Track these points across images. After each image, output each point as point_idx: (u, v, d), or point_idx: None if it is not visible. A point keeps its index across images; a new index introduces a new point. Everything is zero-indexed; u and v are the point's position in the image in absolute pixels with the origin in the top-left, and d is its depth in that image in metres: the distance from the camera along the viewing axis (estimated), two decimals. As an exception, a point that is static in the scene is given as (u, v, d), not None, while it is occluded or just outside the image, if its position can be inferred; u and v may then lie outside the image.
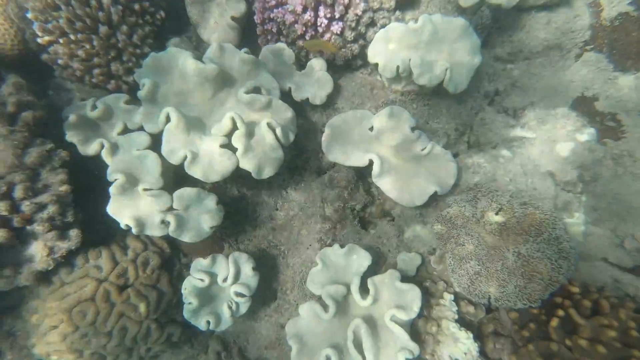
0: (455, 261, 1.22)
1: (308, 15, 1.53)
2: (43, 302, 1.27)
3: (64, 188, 1.29)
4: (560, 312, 1.06)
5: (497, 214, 1.22)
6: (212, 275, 1.45)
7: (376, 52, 1.51)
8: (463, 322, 1.27)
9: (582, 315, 1.05)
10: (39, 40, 1.44)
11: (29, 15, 1.39)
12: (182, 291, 1.42)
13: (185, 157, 1.34)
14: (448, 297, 1.25)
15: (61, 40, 1.45)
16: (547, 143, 1.42)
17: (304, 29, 1.59)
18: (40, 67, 1.56)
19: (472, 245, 1.21)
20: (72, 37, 1.45)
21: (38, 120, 1.28)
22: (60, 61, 1.50)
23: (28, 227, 1.21)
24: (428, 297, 1.32)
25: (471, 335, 1.17)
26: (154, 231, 1.38)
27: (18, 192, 1.17)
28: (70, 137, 1.42)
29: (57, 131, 1.42)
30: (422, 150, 1.44)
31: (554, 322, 1.04)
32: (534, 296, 1.10)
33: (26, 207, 1.17)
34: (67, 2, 1.37)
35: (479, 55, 1.44)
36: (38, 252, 1.24)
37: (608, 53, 1.55)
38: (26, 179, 1.20)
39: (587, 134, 1.38)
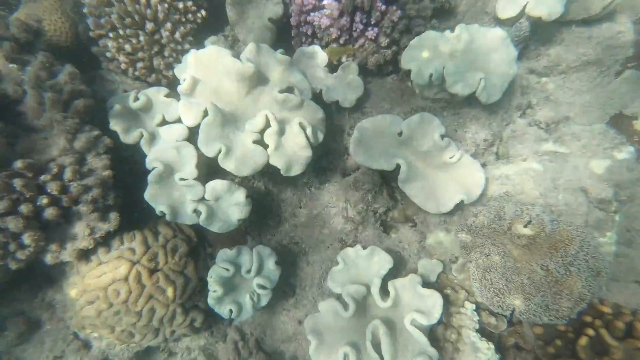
0: (480, 271, 1.22)
1: (344, 20, 1.57)
2: (82, 278, 1.36)
3: (106, 173, 1.37)
4: (590, 332, 1.04)
5: (525, 226, 1.22)
6: (237, 266, 1.50)
7: (409, 59, 1.52)
8: (483, 333, 1.26)
9: (614, 336, 1.02)
10: (91, 33, 1.54)
11: (85, 10, 1.48)
12: (208, 279, 1.47)
13: (220, 151, 1.40)
14: (469, 306, 1.25)
15: (111, 35, 1.54)
16: (582, 159, 1.40)
17: (338, 32, 1.63)
18: (88, 58, 1.66)
19: (498, 256, 1.21)
20: (120, 32, 1.54)
21: (88, 108, 1.37)
22: (108, 54, 1.60)
23: (74, 207, 1.30)
24: (448, 305, 1.32)
25: (492, 346, 1.16)
26: (186, 219, 1.44)
27: (67, 174, 1.25)
28: (114, 125, 1.51)
29: (99, 119, 1.51)
30: (451, 158, 1.44)
31: (584, 340, 1.02)
32: (561, 312, 1.09)
33: (74, 188, 1.25)
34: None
35: (514, 67, 1.44)
36: (81, 231, 1.32)
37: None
38: (75, 162, 1.29)
39: (625, 152, 1.35)
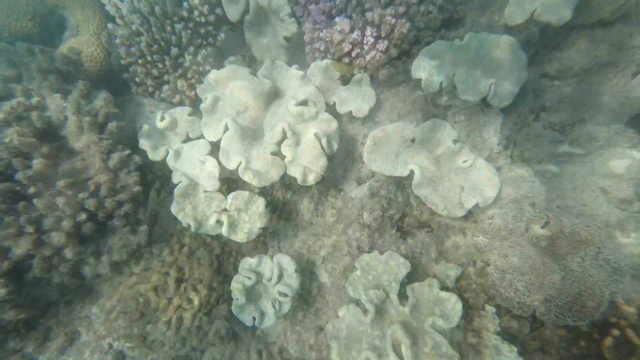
0: (499, 273, 1.22)
1: (355, 35, 1.64)
2: (115, 289, 1.45)
3: (137, 189, 1.47)
4: (616, 332, 1.02)
5: (542, 227, 1.21)
6: (258, 275, 1.56)
7: (420, 68, 1.57)
8: (506, 336, 1.25)
9: (641, 337, 1.00)
10: (122, 62, 1.68)
11: (117, 41, 1.63)
12: (231, 288, 1.53)
13: (240, 163, 1.48)
14: (490, 309, 1.25)
15: (140, 61, 1.68)
16: (599, 159, 1.39)
17: (350, 47, 1.70)
18: (120, 83, 1.81)
19: (516, 257, 1.21)
20: (148, 58, 1.67)
21: (120, 129, 1.48)
22: (137, 79, 1.73)
23: (108, 222, 1.40)
24: (468, 309, 1.32)
25: (515, 349, 1.15)
26: (209, 230, 1.52)
27: (103, 191, 1.36)
28: (143, 144, 1.62)
29: (129, 139, 1.63)
30: (464, 162, 1.46)
31: (608, 341, 1.01)
32: (584, 313, 1.07)
33: (109, 204, 1.35)
34: (148, 28, 1.59)
35: (525, 71, 1.46)
36: (114, 244, 1.41)
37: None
38: (109, 180, 1.40)
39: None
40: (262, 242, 1.78)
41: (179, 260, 1.57)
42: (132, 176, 1.49)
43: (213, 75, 1.67)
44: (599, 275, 1.10)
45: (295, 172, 1.51)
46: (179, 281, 1.55)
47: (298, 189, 1.73)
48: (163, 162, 1.64)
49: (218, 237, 1.64)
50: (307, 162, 1.54)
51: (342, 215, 1.74)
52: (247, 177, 1.48)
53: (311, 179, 1.54)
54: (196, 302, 1.52)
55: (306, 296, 1.71)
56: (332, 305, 1.68)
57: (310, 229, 1.76)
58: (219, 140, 1.55)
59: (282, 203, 1.76)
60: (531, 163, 1.49)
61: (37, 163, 1.27)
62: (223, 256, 1.76)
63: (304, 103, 1.63)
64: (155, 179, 1.66)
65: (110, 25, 1.63)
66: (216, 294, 1.62)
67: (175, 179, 1.56)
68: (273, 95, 1.69)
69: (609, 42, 1.52)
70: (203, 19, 1.72)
